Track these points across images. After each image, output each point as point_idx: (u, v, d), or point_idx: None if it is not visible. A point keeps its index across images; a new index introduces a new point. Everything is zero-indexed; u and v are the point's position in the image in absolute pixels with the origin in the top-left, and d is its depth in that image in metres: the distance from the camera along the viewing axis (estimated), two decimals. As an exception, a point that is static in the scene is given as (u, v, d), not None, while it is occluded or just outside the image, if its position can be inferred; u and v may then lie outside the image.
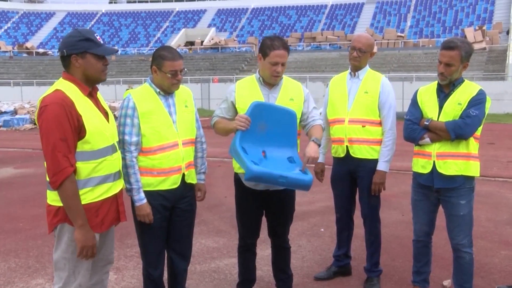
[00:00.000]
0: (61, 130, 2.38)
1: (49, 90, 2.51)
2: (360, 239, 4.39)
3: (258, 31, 42.10)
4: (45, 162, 2.44)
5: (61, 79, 2.55)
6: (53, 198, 2.51)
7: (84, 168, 2.49)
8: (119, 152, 2.72)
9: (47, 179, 2.47)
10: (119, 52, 40.49)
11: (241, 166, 2.99)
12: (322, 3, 45.05)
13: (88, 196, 2.52)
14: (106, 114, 2.66)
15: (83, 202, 2.48)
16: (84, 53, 2.49)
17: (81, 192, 2.48)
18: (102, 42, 2.56)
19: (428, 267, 3.61)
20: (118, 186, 2.69)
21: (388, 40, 35.58)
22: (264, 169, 2.90)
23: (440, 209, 3.47)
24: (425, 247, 3.56)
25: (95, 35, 2.54)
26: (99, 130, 2.53)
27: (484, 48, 31.05)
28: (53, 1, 52.51)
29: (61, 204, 2.46)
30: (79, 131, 2.45)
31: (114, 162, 2.63)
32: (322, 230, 5.42)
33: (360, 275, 4.07)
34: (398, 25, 39.30)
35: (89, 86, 2.57)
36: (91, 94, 2.59)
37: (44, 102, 2.43)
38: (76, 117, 2.43)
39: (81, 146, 2.47)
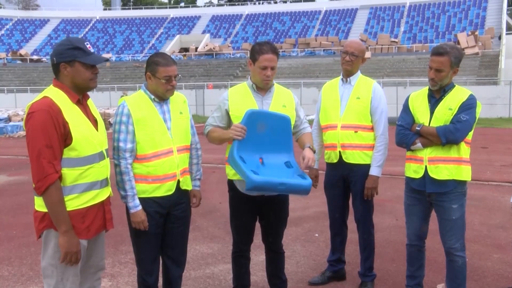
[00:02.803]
0: (46, 136, 2.39)
1: (37, 97, 2.52)
2: (354, 243, 4.41)
3: (253, 37, 42.21)
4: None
5: (51, 86, 2.57)
6: (39, 204, 2.51)
7: (69, 175, 2.49)
8: (107, 159, 2.71)
9: (33, 185, 2.47)
10: (114, 58, 40.48)
11: (241, 176, 2.99)
12: (316, 9, 45.33)
13: (74, 202, 2.52)
14: (95, 122, 2.66)
15: (68, 209, 2.48)
16: (72, 61, 2.51)
17: (66, 198, 2.48)
18: (92, 50, 2.57)
19: (421, 271, 3.63)
20: (105, 193, 2.69)
21: (382, 45, 35.81)
22: (264, 178, 2.91)
23: (433, 213, 3.50)
24: (418, 251, 3.58)
25: (85, 43, 2.56)
26: (86, 137, 2.53)
27: (477, 53, 31.30)
28: (47, 8, 52.58)
29: (47, 210, 2.46)
30: (66, 138, 2.46)
31: (101, 170, 2.63)
32: (316, 235, 5.43)
33: (354, 280, 4.08)
34: (392, 30, 39.57)
35: (79, 94, 2.58)
36: (80, 102, 2.60)
37: (32, 108, 2.44)
38: (63, 124, 2.44)
39: (67, 153, 2.48)
